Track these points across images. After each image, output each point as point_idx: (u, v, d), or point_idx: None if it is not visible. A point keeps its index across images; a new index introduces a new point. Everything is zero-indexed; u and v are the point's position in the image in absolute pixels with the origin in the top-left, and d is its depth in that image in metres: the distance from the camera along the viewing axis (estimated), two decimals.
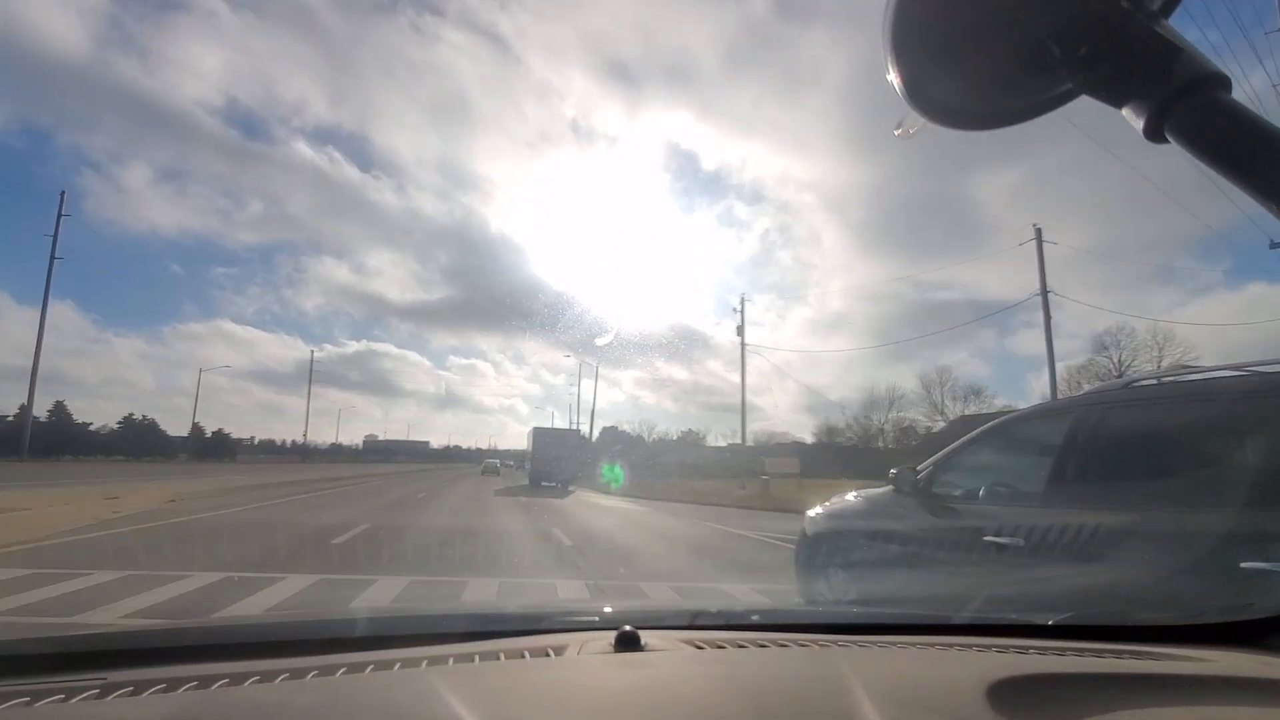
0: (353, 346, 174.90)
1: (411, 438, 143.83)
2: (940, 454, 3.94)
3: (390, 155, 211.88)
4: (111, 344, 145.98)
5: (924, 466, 3.89)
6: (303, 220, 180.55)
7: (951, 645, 1.31)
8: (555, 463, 31.43)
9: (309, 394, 68.55)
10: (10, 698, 0.91)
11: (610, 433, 77.91)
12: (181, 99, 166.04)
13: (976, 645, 1.31)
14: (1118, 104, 0.50)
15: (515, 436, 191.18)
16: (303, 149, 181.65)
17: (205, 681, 0.98)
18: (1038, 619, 1.51)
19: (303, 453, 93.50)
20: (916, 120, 0.60)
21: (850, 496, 4.67)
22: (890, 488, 4.03)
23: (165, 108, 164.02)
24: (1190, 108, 0.47)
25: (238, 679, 0.99)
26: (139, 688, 0.95)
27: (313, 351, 66.40)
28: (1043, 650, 1.29)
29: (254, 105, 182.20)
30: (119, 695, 0.93)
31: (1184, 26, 0.50)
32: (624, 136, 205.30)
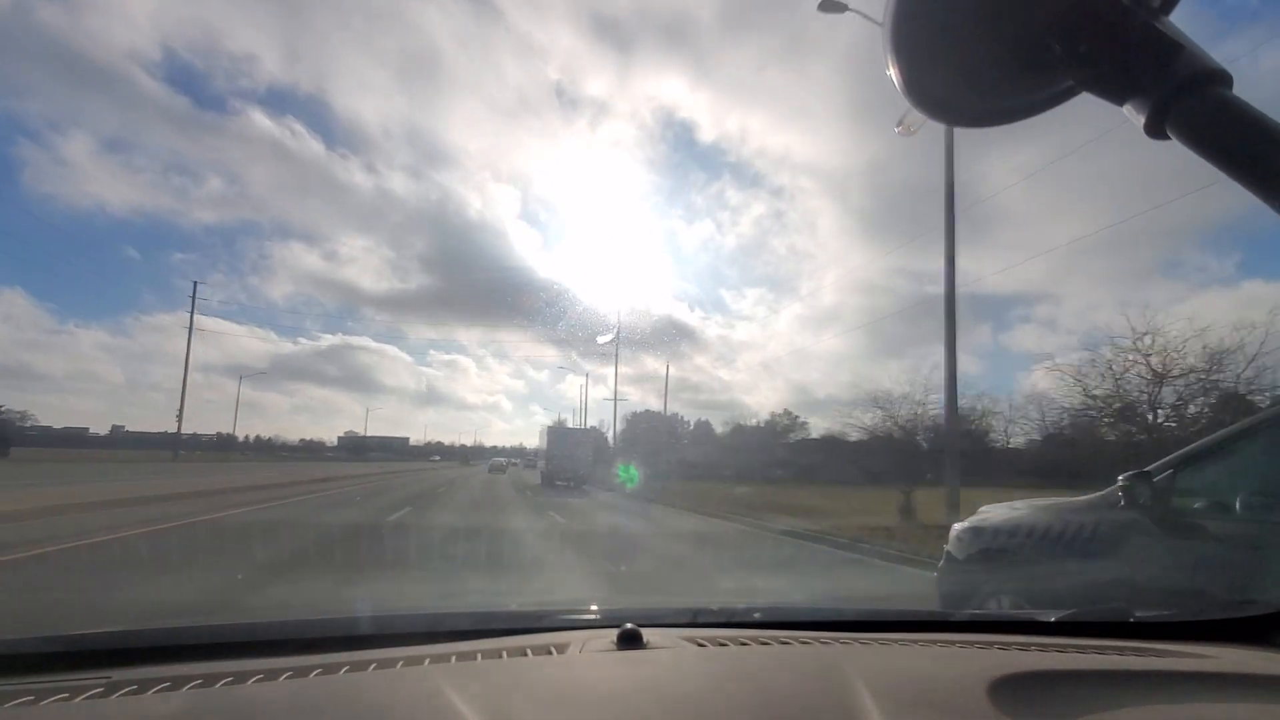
0: (328, 340, 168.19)
1: (393, 434, 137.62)
2: (1185, 451, 3.05)
3: (355, 125, 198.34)
4: (74, 336, 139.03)
5: (1159, 467, 3.01)
6: (266, 201, 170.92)
7: (953, 643, 1.30)
8: (569, 462, 31.46)
9: (186, 361, 50.16)
10: (15, 696, 0.91)
11: (643, 419, 65.38)
12: (119, 56, 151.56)
13: (978, 642, 1.31)
14: (1119, 101, 0.50)
15: (499, 434, 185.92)
16: (260, 119, 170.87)
17: (209, 680, 0.98)
18: (1039, 616, 1.50)
19: (226, 446, 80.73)
20: (918, 118, 0.61)
21: (1022, 507, 3.61)
22: (1089, 497, 3.23)
23: (103, 67, 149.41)
24: (1191, 104, 0.46)
25: (241, 677, 0.99)
26: (143, 686, 0.96)
27: (195, 285, 51.39)
28: (1044, 647, 1.29)
29: (201, 64, 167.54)
30: (123, 694, 0.93)
31: (1185, 22, 0.49)
32: (613, 105, 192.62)
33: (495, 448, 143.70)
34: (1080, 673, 1.11)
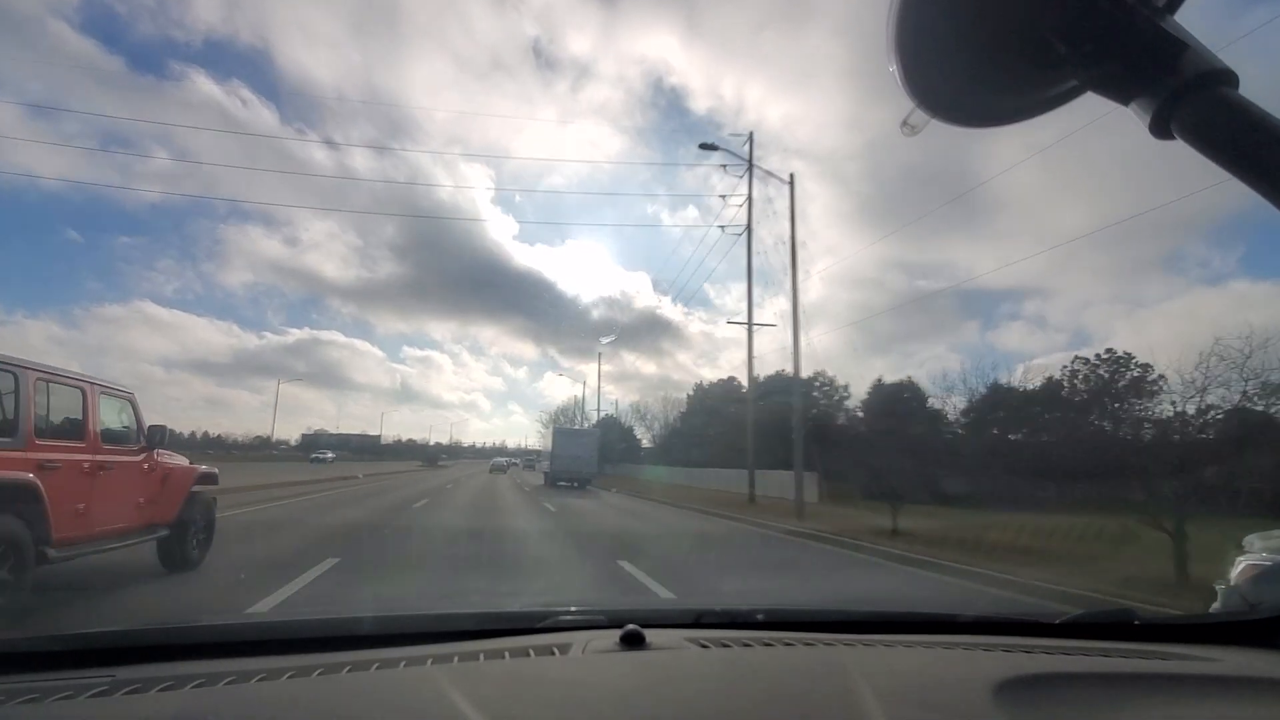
0: (295, 334, 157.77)
1: (367, 432, 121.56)
2: None
3: (311, 93, 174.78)
4: (22, 326, 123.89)
5: None
6: (218, 180, 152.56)
7: (958, 644, 1.30)
8: (575, 463, 31.59)
9: None
10: (19, 695, 0.92)
11: (717, 394, 44.95)
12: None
13: (983, 644, 1.30)
14: (1124, 100, 0.50)
15: (478, 433, 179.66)
16: (204, 84, 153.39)
17: (212, 679, 0.99)
18: (1044, 618, 1.49)
19: None
20: (922, 117, 0.60)
21: None
22: None
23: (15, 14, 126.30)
24: (1196, 104, 0.46)
25: (244, 677, 0.99)
26: (146, 685, 0.96)
27: None
28: (1049, 650, 1.28)
29: (127, 12, 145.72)
30: (126, 692, 0.94)
31: (1190, 22, 0.49)
32: (596, 66, 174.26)
33: (473, 446, 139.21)
34: (1085, 675, 1.10)
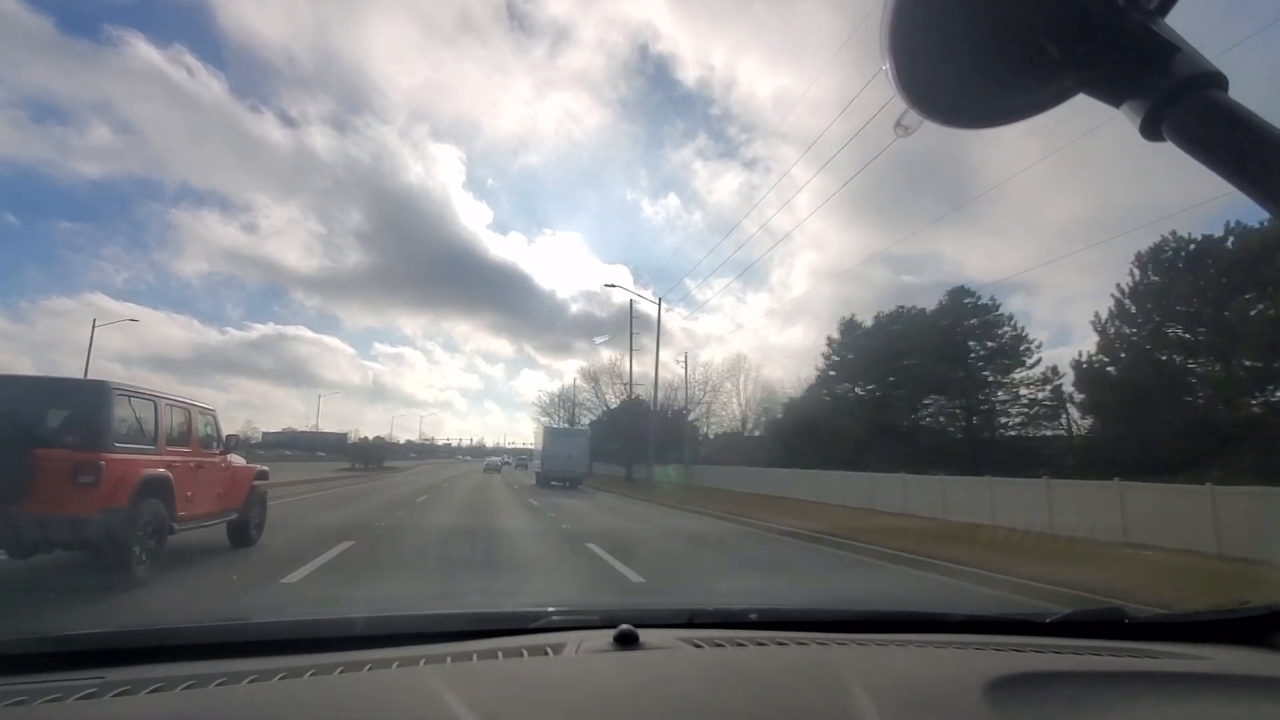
0: (259, 329, 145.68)
1: (342, 432, 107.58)
2: None
3: (264, 64, 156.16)
4: None
5: None
6: (165, 159, 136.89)
7: (950, 643, 1.31)
8: (567, 462, 31.34)
9: None
10: (8, 697, 0.91)
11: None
12: None
13: (974, 643, 1.31)
14: (1115, 102, 0.51)
15: (453, 431, 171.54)
16: (144, 49, 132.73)
17: (202, 680, 0.98)
18: (1034, 617, 1.51)
19: None
20: (915, 118, 0.61)
21: None
22: None
23: None
24: (1187, 107, 0.47)
25: (235, 678, 0.99)
26: (136, 687, 0.95)
27: None
28: (1040, 648, 1.29)
29: None
30: (116, 694, 0.93)
31: (1181, 25, 0.50)
32: (576, 31, 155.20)
33: (448, 444, 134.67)
34: (1076, 674, 1.11)
